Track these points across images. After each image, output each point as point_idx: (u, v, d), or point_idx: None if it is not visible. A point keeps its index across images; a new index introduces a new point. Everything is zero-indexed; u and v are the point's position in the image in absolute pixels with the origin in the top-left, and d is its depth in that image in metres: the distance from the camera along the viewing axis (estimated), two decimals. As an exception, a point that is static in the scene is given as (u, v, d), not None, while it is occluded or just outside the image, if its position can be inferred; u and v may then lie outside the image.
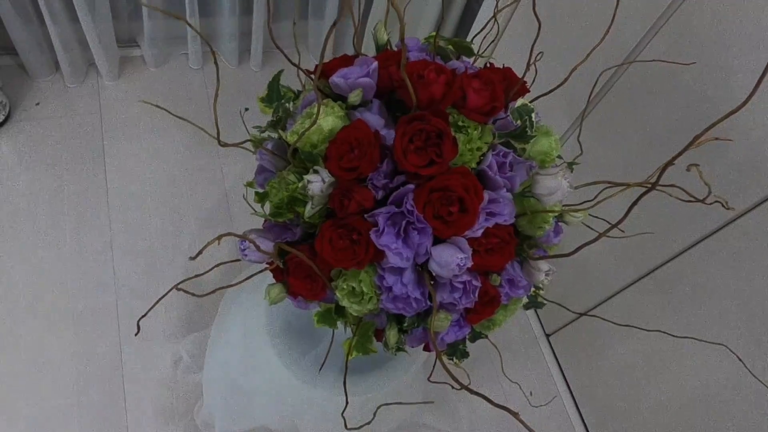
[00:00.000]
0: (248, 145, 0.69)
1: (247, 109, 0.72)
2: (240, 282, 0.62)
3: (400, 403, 0.61)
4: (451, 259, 0.55)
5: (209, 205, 1.55)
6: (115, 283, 1.39)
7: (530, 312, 1.59)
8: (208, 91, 1.75)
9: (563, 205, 0.64)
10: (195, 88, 1.75)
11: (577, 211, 0.62)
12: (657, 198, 0.66)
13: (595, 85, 0.77)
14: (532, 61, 0.64)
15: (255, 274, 0.67)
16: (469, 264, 0.55)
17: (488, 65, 0.64)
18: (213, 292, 0.55)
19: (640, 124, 1.06)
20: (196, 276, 0.57)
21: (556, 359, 1.53)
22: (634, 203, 0.50)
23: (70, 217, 1.45)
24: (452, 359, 0.73)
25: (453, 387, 0.73)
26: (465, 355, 0.72)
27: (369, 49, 0.68)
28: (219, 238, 0.40)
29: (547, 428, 1.43)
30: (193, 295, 0.44)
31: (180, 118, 0.65)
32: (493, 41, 0.70)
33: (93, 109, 1.65)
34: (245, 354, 1.08)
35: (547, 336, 1.56)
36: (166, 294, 0.50)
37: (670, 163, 0.44)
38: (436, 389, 1.40)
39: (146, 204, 1.52)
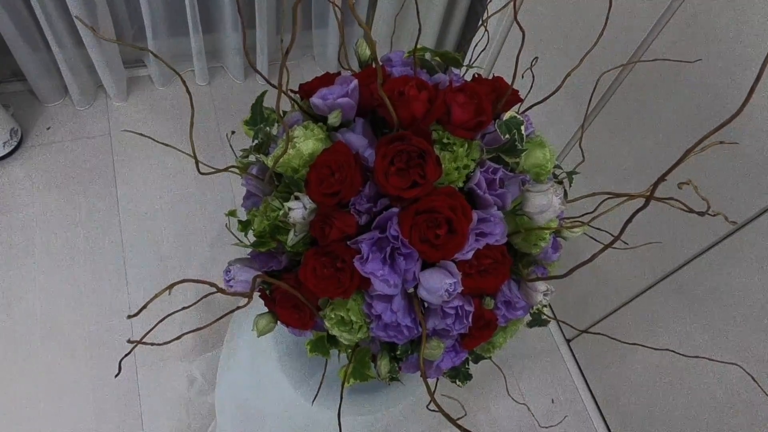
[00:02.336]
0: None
1: (233, 132, 0.71)
2: (240, 307, 0.61)
3: None
4: (439, 284, 0.52)
5: (221, 222, 1.55)
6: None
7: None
8: (216, 106, 1.75)
9: (561, 219, 0.61)
10: (203, 104, 1.75)
11: (575, 226, 0.59)
12: (664, 206, 0.63)
13: (594, 89, 0.74)
14: (521, 70, 0.61)
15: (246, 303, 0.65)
16: (459, 289, 0.52)
17: (475, 77, 0.61)
18: (214, 322, 0.54)
19: (648, 125, 1.01)
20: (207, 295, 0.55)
21: (578, 365, 1.48)
22: (629, 220, 0.46)
23: (84, 239, 1.47)
24: (455, 381, 0.70)
25: (449, 419, 0.70)
26: (468, 377, 0.69)
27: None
28: (170, 287, 0.39)
29: (572, 421, 1.39)
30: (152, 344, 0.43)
31: (165, 144, 0.64)
32: (483, 50, 0.68)
33: (103, 131, 1.66)
34: (254, 375, 1.07)
35: (568, 342, 1.51)
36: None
37: (662, 179, 0.41)
38: (453, 402, 1.38)
39: (158, 224, 1.52)
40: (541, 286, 0.57)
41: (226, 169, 0.61)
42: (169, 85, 1.75)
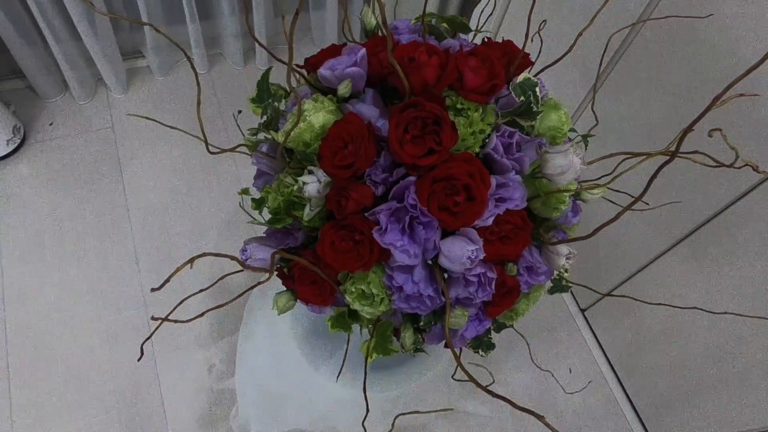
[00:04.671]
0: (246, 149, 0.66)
1: (240, 112, 0.70)
2: (252, 287, 0.60)
3: (417, 413, 0.58)
4: (461, 252, 0.51)
5: (229, 210, 1.54)
6: (143, 296, 1.40)
7: (564, 288, 1.54)
8: (217, 94, 1.73)
9: (580, 182, 0.60)
10: (204, 91, 1.74)
11: (594, 188, 0.58)
12: (683, 164, 0.61)
13: (605, 50, 0.72)
14: (532, 32, 0.60)
15: (265, 280, 0.64)
16: (481, 256, 0.52)
17: (485, 41, 0.60)
18: (230, 302, 0.53)
19: (660, 87, 0.99)
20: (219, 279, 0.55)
21: (594, 334, 1.48)
22: (654, 176, 0.45)
23: (93, 233, 1.47)
24: (478, 352, 0.70)
25: (477, 385, 0.70)
26: (491, 346, 0.69)
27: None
28: (191, 260, 0.38)
29: (590, 404, 1.39)
30: (174, 321, 0.42)
31: (171, 127, 0.63)
32: (490, 15, 0.66)
33: (106, 124, 1.65)
34: (273, 358, 1.07)
35: (583, 311, 1.51)
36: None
37: (690, 129, 0.39)
38: (479, 371, 1.38)
39: (167, 213, 1.52)
40: (564, 249, 0.56)
41: (235, 148, 0.60)
42: (168, 74, 1.74)
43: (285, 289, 0.64)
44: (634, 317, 1.31)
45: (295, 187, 0.54)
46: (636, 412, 1.38)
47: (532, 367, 1.41)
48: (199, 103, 0.53)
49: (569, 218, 0.60)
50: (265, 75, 0.63)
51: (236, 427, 1.22)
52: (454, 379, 0.66)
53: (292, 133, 0.56)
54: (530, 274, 0.58)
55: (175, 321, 0.40)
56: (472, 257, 0.51)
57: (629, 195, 0.63)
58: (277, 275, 0.65)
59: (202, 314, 0.44)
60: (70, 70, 1.56)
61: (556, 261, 0.57)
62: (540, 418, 0.41)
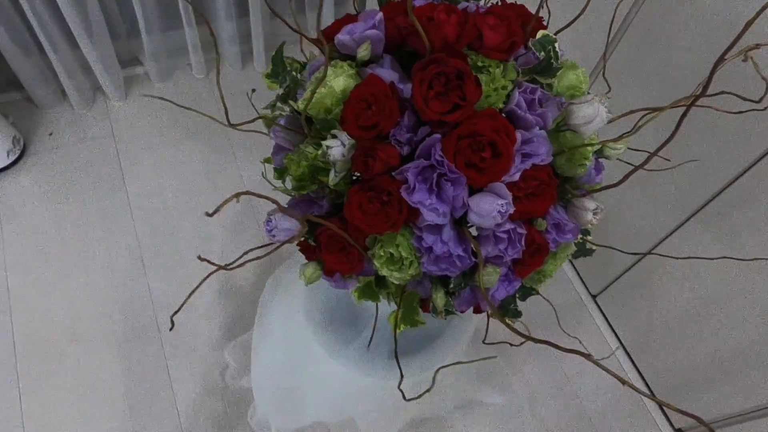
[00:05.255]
0: (261, 128, 0.66)
1: (254, 90, 0.70)
2: (272, 250, 0.60)
3: (458, 363, 0.58)
4: (491, 206, 0.51)
5: (234, 210, 1.54)
6: (151, 300, 1.38)
7: (573, 275, 1.54)
8: (216, 97, 1.73)
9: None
10: (203, 96, 1.74)
11: (616, 141, 0.58)
12: (698, 122, 0.61)
13: (613, 19, 0.72)
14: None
15: (282, 244, 0.64)
16: (511, 209, 0.51)
17: (499, 3, 0.60)
18: (244, 262, 0.53)
19: (665, 57, 1.00)
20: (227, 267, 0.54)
21: (606, 319, 1.47)
22: (684, 115, 0.46)
23: (99, 240, 1.45)
24: (506, 321, 0.69)
25: (512, 345, 0.69)
26: (517, 314, 0.68)
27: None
28: (237, 195, 0.38)
29: (606, 387, 1.38)
30: (222, 268, 0.42)
31: (187, 108, 0.63)
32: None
33: (106, 132, 1.65)
34: (289, 352, 1.06)
35: (594, 297, 1.51)
36: (203, 281, 0.48)
37: (722, 59, 0.40)
38: (486, 366, 1.37)
39: (171, 217, 1.51)
40: (590, 204, 0.56)
41: (252, 121, 0.60)
42: (167, 80, 1.74)
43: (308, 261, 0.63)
44: (646, 299, 1.31)
45: (320, 152, 0.53)
46: (653, 395, 1.37)
47: (545, 354, 1.40)
48: (218, 71, 0.53)
49: (593, 176, 0.60)
50: (279, 49, 0.63)
51: (255, 425, 1.21)
52: (486, 343, 0.65)
53: (313, 99, 0.55)
54: (558, 232, 0.58)
55: (224, 267, 0.40)
56: (502, 211, 0.51)
57: (648, 152, 0.63)
58: (300, 249, 0.64)
59: (244, 261, 0.43)
60: (68, 79, 1.56)
61: (584, 216, 0.56)
62: (587, 356, 0.41)
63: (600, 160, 0.60)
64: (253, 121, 0.59)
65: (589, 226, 0.58)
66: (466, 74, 0.50)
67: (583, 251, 0.67)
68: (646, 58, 1.03)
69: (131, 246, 1.45)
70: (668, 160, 0.60)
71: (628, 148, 0.60)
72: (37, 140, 1.61)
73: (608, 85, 0.75)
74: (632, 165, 0.68)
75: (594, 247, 0.68)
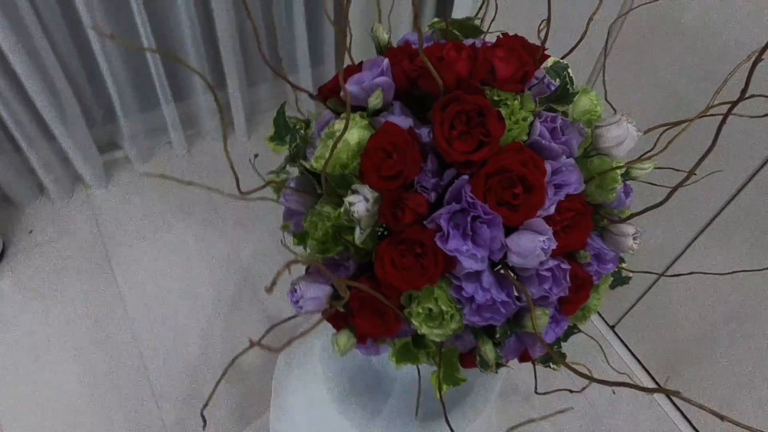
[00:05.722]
0: (267, 194, 0.62)
1: (257, 155, 0.67)
2: (314, 325, 0.55)
3: (532, 420, 0.53)
4: (531, 244, 0.48)
5: (232, 288, 1.48)
6: (154, 396, 1.30)
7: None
8: (201, 173, 1.70)
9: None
10: (187, 173, 1.70)
11: (643, 161, 0.55)
12: (698, 133, 0.59)
13: (607, 39, 0.72)
14: (533, 30, 0.59)
15: (311, 328, 0.59)
16: (554, 245, 0.48)
17: (501, 36, 0.59)
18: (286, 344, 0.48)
19: (651, 75, 1.00)
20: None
21: (628, 348, 1.43)
22: (723, 122, 0.43)
23: (93, 337, 1.38)
24: (549, 365, 0.65)
25: (572, 391, 0.65)
26: (562, 356, 0.64)
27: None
28: (288, 265, 0.34)
29: (641, 420, 1.32)
30: (269, 349, 0.37)
31: (188, 183, 0.59)
32: (493, 19, 0.66)
33: (89, 223, 1.59)
34: (312, 429, 0.99)
35: (612, 328, 1.46)
36: (229, 365, 0.43)
37: (759, 59, 0.38)
38: (514, 419, 1.30)
39: (167, 301, 1.44)
40: (629, 228, 0.53)
41: (264, 186, 0.57)
42: (148, 162, 1.71)
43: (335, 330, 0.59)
44: (663, 323, 1.27)
45: (342, 210, 0.50)
46: (689, 422, 1.31)
47: (575, 396, 1.34)
48: (225, 138, 0.50)
49: (622, 200, 0.57)
50: (281, 110, 0.61)
51: None
52: (538, 393, 0.61)
53: (325, 157, 0.52)
54: (599, 263, 0.55)
55: (268, 348, 0.35)
56: (545, 247, 0.48)
57: (675, 170, 0.61)
58: (326, 319, 0.60)
59: (288, 343, 0.38)
60: (45, 173, 1.52)
61: (623, 243, 0.53)
62: (721, 416, 0.37)
63: (627, 182, 0.58)
64: (263, 187, 0.56)
65: (630, 252, 0.55)
66: (487, 110, 0.48)
67: (620, 280, 0.63)
68: (633, 77, 1.03)
69: (126, 339, 1.38)
70: (695, 174, 0.58)
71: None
72: (17, 240, 1.55)
73: (613, 108, 0.74)
74: (652, 185, 0.66)
75: (630, 275, 0.65)
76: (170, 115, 1.58)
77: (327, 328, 0.99)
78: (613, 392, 1.36)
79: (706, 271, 1.10)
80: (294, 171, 0.66)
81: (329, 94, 0.59)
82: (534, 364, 0.62)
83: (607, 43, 0.67)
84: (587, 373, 0.46)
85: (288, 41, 1.62)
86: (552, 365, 0.64)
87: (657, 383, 1.37)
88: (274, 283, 0.32)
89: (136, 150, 1.65)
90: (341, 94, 0.54)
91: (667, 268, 1.19)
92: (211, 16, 1.45)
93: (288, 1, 1.51)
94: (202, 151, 1.75)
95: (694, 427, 1.31)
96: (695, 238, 1.10)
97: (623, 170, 0.55)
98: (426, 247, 0.48)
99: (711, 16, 0.88)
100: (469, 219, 0.48)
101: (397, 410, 0.91)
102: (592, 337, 0.72)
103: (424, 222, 0.49)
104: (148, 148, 1.69)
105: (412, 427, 0.90)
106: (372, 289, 0.51)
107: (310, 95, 0.60)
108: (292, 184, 0.59)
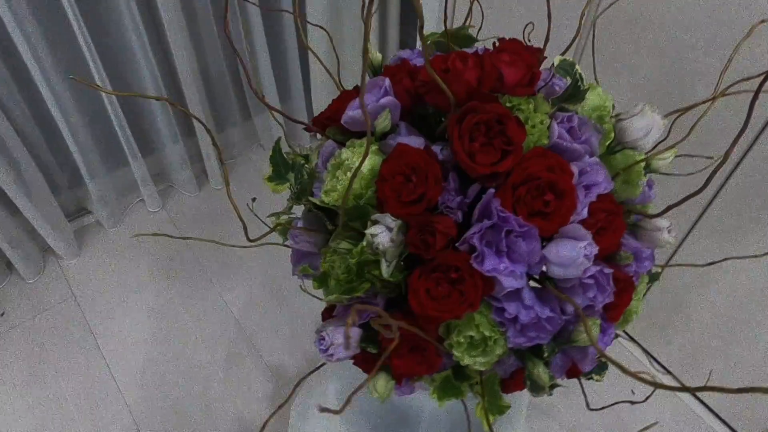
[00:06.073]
0: (274, 238, 0.58)
1: (254, 199, 0.62)
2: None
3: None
4: (572, 252, 0.45)
5: (226, 341, 1.41)
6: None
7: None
8: (179, 228, 1.64)
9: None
10: (164, 230, 1.63)
11: (664, 152, 0.53)
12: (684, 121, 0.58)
13: (594, 33, 0.71)
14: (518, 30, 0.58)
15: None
16: (596, 249, 0.45)
17: (499, 41, 0.56)
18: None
19: (627, 71, 1.00)
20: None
21: (641, 347, 1.40)
22: (754, 100, 0.41)
23: (83, 416, 1.28)
24: (591, 377, 0.61)
25: (633, 402, 0.61)
26: (604, 367, 0.61)
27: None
28: (352, 314, 0.29)
29: (667, 419, 1.29)
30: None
31: (184, 238, 0.54)
32: (480, 28, 0.64)
33: (65, 295, 1.51)
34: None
35: (624, 330, 1.44)
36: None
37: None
38: None
39: (158, 368, 1.36)
40: (663, 222, 0.51)
41: (273, 230, 0.53)
42: (120, 223, 1.63)
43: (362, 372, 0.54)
44: (679, 316, 1.25)
45: (365, 243, 0.46)
46: (718, 416, 1.29)
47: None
48: (227, 182, 0.46)
49: (647, 193, 0.55)
50: (276, 147, 0.57)
51: None
52: (591, 410, 0.57)
53: (337, 190, 0.49)
54: (636, 262, 0.52)
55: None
56: (588, 253, 0.45)
57: (699, 156, 0.59)
58: (355, 363, 0.55)
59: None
60: (12, 249, 1.43)
61: (659, 237, 0.51)
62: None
63: (649, 174, 0.56)
64: (271, 231, 0.52)
65: (667, 246, 0.52)
66: (505, 117, 0.45)
67: (653, 278, 0.61)
68: (612, 65, 1.02)
69: (120, 411, 1.29)
70: (711, 158, 0.56)
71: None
72: (-10, 323, 1.45)
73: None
74: (667, 175, 0.64)
75: (660, 271, 0.62)
76: (139, 171, 1.52)
77: (338, 369, 0.94)
78: (633, 392, 1.33)
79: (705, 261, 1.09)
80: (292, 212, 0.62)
81: (328, 123, 0.56)
82: (580, 380, 0.58)
83: (594, 38, 0.65)
84: (651, 379, 0.42)
85: (254, 80, 1.59)
86: (595, 377, 0.61)
87: (676, 378, 1.35)
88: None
89: (107, 212, 1.57)
90: (343, 120, 0.51)
91: (668, 260, 1.18)
92: (172, 64, 1.41)
93: (250, 41, 1.49)
94: (177, 205, 1.69)
95: (721, 419, 1.29)
96: (690, 230, 1.09)
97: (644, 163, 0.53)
98: (462, 271, 0.45)
99: (684, 11, 0.89)
100: (503, 234, 0.45)
101: (427, 446, 0.86)
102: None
103: (456, 245, 0.46)
104: (119, 209, 1.62)
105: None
106: (409, 324, 0.47)
107: (306, 127, 0.56)
108: (299, 224, 0.55)
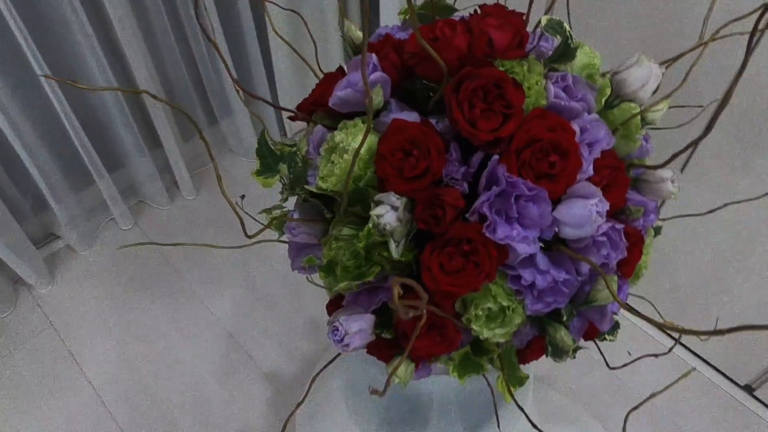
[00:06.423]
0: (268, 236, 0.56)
1: (243, 196, 0.60)
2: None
3: (652, 396, 0.48)
4: (584, 210, 0.44)
5: (219, 354, 1.37)
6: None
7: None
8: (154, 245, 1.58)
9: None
10: (138, 248, 1.58)
11: (655, 104, 0.53)
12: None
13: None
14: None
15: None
16: (607, 206, 0.44)
17: (481, 7, 0.55)
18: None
19: (604, 30, 1.00)
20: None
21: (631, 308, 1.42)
22: (753, 35, 0.41)
23: (75, 447, 1.23)
24: (604, 338, 0.61)
25: (656, 356, 0.61)
26: (616, 326, 0.60)
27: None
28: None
29: (665, 372, 1.31)
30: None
31: (174, 244, 0.52)
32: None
33: (42, 325, 1.44)
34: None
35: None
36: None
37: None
38: (551, 408, 1.26)
39: (152, 390, 1.32)
40: (666, 172, 0.50)
41: (269, 224, 0.50)
42: (93, 245, 1.57)
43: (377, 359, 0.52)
44: (666, 272, 1.27)
45: (370, 225, 0.44)
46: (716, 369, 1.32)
47: (598, 368, 1.31)
48: (219, 178, 0.43)
49: (645, 147, 0.55)
50: (263, 138, 0.55)
51: None
52: (612, 368, 0.57)
53: (334, 174, 0.47)
54: (642, 216, 0.52)
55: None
56: (600, 210, 0.44)
57: (694, 106, 0.59)
58: (368, 351, 0.54)
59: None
60: (-20, 284, 1.37)
61: (663, 189, 0.51)
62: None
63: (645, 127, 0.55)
64: (267, 227, 0.50)
65: (672, 197, 0.52)
66: (502, 80, 0.44)
67: (657, 231, 0.60)
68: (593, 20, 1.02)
69: (115, 436, 1.24)
70: (701, 106, 0.56)
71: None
72: (-35, 364, 1.38)
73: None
74: (662, 128, 0.64)
75: (661, 224, 0.62)
76: (107, 189, 1.46)
77: (343, 365, 0.92)
78: (629, 353, 1.35)
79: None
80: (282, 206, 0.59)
81: (314, 108, 0.53)
82: (596, 341, 0.58)
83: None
84: (676, 326, 0.41)
85: (219, 89, 1.54)
86: (608, 337, 0.61)
87: (671, 336, 1.37)
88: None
89: (77, 235, 1.51)
90: (331, 102, 0.49)
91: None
92: (131, 76, 1.36)
93: (209, 48, 1.45)
94: (150, 220, 1.63)
95: (722, 373, 1.31)
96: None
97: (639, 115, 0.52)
98: (475, 242, 0.43)
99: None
100: (512, 200, 0.44)
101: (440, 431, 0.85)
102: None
103: (466, 216, 0.44)
104: (90, 230, 1.56)
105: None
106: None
107: (293, 115, 0.54)
108: (296, 215, 0.53)
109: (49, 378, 1.35)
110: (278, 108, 0.53)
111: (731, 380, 1.30)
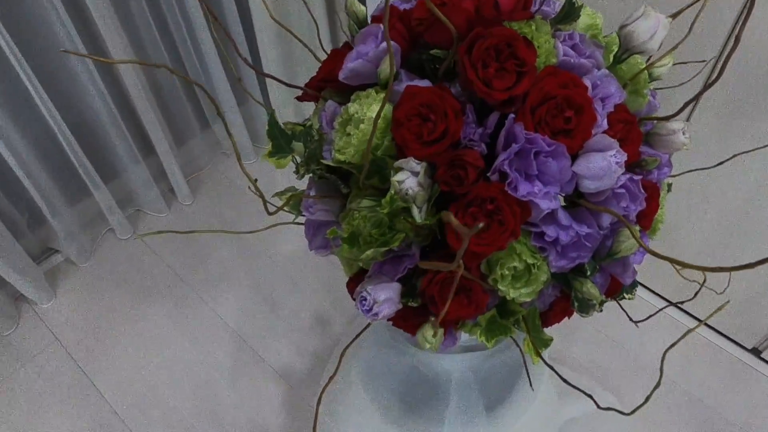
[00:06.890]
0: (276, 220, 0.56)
1: (256, 180, 0.59)
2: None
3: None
4: (603, 162, 0.44)
5: (229, 355, 1.36)
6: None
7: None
8: (156, 251, 1.57)
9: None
10: (138, 256, 1.57)
11: (660, 59, 0.54)
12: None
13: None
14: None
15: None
16: (625, 156, 0.45)
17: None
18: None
19: None
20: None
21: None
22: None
23: (91, 459, 1.22)
24: (623, 296, 0.61)
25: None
26: (635, 284, 0.61)
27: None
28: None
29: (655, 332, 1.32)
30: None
31: (190, 232, 0.51)
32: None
33: (48, 341, 1.43)
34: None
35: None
36: None
37: None
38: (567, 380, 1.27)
39: (164, 397, 1.31)
40: (677, 124, 0.51)
41: (287, 202, 0.50)
42: (92, 257, 1.56)
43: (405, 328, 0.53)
44: (664, 239, 1.28)
45: (392, 192, 0.44)
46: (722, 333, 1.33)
47: (593, 337, 1.32)
48: (238, 156, 0.43)
49: (653, 103, 0.55)
50: (272, 119, 0.55)
51: None
52: (635, 322, 0.57)
53: (352, 144, 0.47)
54: (657, 169, 0.52)
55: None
56: (618, 160, 0.44)
57: (696, 62, 0.60)
58: (394, 324, 0.54)
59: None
60: (-18, 304, 1.35)
61: (675, 141, 0.51)
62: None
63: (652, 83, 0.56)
64: (287, 203, 0.49)
65: (685, 148, 0.52)
66: (514, 38, 0.44)
67: (668, 188, 0.61)
68: None
69: (131, 446, 1.23)
70: (704, 61, 0.57)
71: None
72: (-28, 384, 1.36)
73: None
74: (667, 88, 0.65)
75: (671, 181, 0.63)
76: (104, 200, 1.45)
77: (360, 351, 0.92)
78: (637, 326, 1.36)
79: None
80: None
81: (323, 85, 0.54)
82: (616, 299, 0.58)
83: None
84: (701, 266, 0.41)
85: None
86: (627, 296, 0.61)
87: (666, 299, 1.38)
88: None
89: (76, 248, 1.50)
90: (341, 76, 0.49)
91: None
92: (121, 84, 1.35)
93: (198, 51, 1.44)
94: (148, 228, 1.62)
95: (729, 338, 1.33)
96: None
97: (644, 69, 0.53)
98: (498, 200, 0.44)
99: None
100: (531, 157, 0.44)
101: (461, 410, 0.86)
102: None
103: (488, 175, 0.45)
104: (88, 242, 1.55)
105: (481, 418, 0.85)
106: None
107: (303, 92, 0.54)
108: (312, 192, 0.53)
109: (59, 393, 1.34)
110: (288, 85, 0.53)
111: (738, 344, 1.32)
